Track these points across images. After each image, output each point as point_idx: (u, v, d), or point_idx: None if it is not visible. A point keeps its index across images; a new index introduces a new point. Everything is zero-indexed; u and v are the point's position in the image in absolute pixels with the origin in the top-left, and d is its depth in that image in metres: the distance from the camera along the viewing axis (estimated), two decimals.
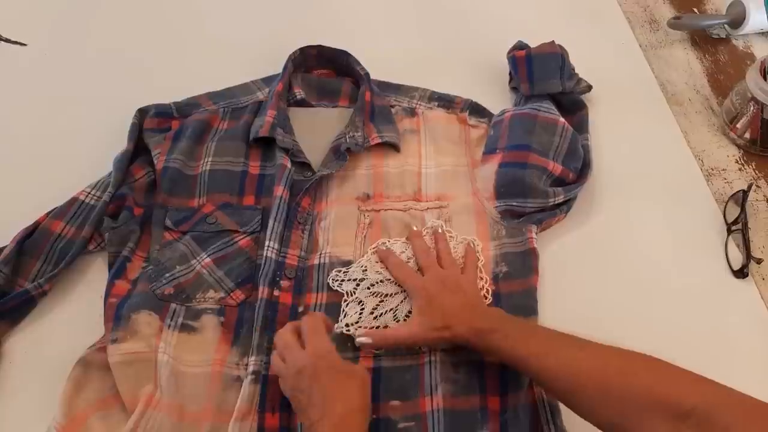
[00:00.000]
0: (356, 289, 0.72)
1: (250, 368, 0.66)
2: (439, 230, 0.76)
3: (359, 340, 0.67)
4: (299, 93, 0.88)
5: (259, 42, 0.99)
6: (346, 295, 0.72)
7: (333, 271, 0.73)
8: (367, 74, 0.88)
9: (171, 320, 0.69)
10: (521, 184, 0.78)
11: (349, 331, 0.69)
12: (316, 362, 0.59)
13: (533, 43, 0.89)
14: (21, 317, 0.72)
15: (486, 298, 0.72)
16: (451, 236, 0.77)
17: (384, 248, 0.74)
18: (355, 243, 0.76)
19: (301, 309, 0.71)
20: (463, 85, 0.91)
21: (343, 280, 0.73)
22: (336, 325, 0.69)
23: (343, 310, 0.71)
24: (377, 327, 0.70)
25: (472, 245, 0.76)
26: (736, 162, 0.88)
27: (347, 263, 0.74)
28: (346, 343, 0.69)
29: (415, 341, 0.67)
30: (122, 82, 0.94)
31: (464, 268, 0.73)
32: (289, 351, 0.62)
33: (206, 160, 0.81)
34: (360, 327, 0.69)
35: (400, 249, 0.75)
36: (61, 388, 0.64)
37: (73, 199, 0.77)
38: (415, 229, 0.76)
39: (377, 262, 0.74)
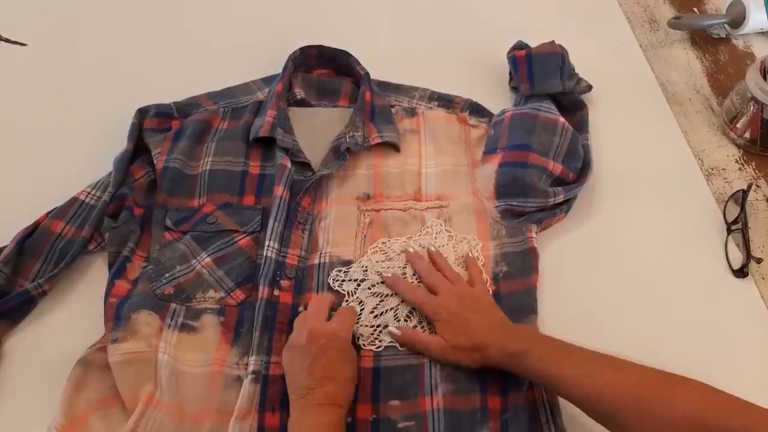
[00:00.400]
0: (357, 289, 0.72)
1: (251, 368, 0.66)
2: (432, 249, 0.75)
3: (390, 329, 0.68)
4: (299, 93, 0.88)
5: (259, 42, 0.99)
6: (346, 296, 0.72)
7: (333, 271, 0.73)
8: (367, 74, 0.88)
9: (171, 320, 0.69)
10: (521, 183, 0.78)
11: None
12: (334, 337, 0.63)
13: (533, 43, 0.89)
14: (21, 317, 0.72)
15: None
16: (450, 236, 0.77)
17: (389, 276, 0.72)
18: (355, 243, 0.76)
19: (301, 309, 0.71)
20: (463, 85, 0.91)
21: (343, 281, 0.73)
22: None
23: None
24: (378, 326, 0.70)
25: (471, 254, 0.75)
26: (736, 162, 0.88)
27: (347, 263, 0.74)
28: None
29: (444, 358, 0.66)
30: (122, 82, 0.94)
31: (471, 281, 0.72)
32: (318, 310, 0.66)
33: (206, 160, 0.81)
34: (360, 326, 0.69)
35: (400, 248, 0.75)
36: (61, 388, 0.64)
37: (73, 199, 0.77)
38: (411, 250, 0.74)
39: (378, 262, 0.74)
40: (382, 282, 0.72)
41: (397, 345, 0.68)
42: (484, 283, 0.72)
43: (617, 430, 0.56)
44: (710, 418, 0.50)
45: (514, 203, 0.78)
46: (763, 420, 0.49)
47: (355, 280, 0.73)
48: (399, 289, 0.71)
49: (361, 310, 0.71)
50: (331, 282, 0.73)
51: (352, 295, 0.72)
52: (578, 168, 0.82)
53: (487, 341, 0.64)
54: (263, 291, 0.70)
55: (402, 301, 0.71)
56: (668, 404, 0.53)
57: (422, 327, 0.69)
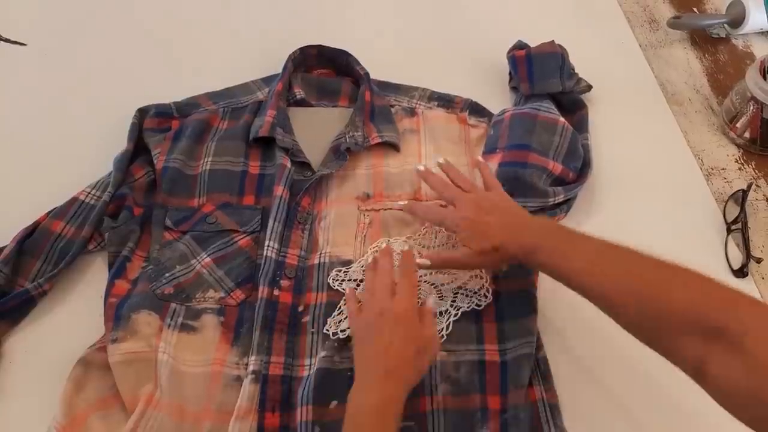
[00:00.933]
0: (357, 289, 0.72)
1: (251, 368, 0.66)
2: (442, 160, 0.76)
3: (419, 261, 0.69)
4: (299, 93, 0.88)
5: (259, 42, 0.99)
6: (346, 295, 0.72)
7: (333, 270, 0.73)
8: (367, 74, 0.88)
9: (171, 320, 0.69)
10: (521, 183, 0.78)
11: (344, 332, 0.68)
12: (399, 314, 0.61)
13: (533, 43, 0.89)
14: (21, 317, 0.72)
15: (486, 297, 0.72)
16: (450, 235, 0.76)
17: (405, 203, 0.74)
18: (355, 243, 0.76)
19: (301, 308, 0.71)
20: (463, 85, 0.91)
21: (343, 280, 0.73)
22: (332, 325, 0.69)
23: (340, 308, 0.71)
24: None
25: (481, 160, 0.77)
26: (736, 161, 0.88)
27: (347, 263, 0.74)
28: (345, 343, 0.68)
29: (468, 264, 0.68)
30: (122, 82, 0.94)
31: (486, 185, 0.73)
32: (380, 290, 0.64)
33: (206, 160, 0.81)
34: None
35: (400, 248, 0.75)
36: (61, 388, 0.64)
37: (73, 199, 0.77)
38: (422, 169, 0.76)
39: None
40: None
41: None
42: (498, 185, 0.73)
43: (622, 323, 0.57)
44: (704, 312, 0.51)
45: None
46: (754, 314, 0.49)
47: (355, 280, 0.73)
48: (418, 212, 0.73)
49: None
50: (331, 282, 0.73)
51: None
52: (578, 168, 0.82)
53: (505, 240, 0.65)
54: (263, 291, 0.70)
55: None
56: (666, 299, 0.53)
57: None
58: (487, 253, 0.66)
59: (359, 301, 0.67)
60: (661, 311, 0.53)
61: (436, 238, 0.76)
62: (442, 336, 0.69)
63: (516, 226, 0.66)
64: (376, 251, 0.75)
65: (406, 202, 0.75)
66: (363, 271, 0.73)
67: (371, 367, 0.60)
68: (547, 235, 0.64)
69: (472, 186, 0.73)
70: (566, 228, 0.65)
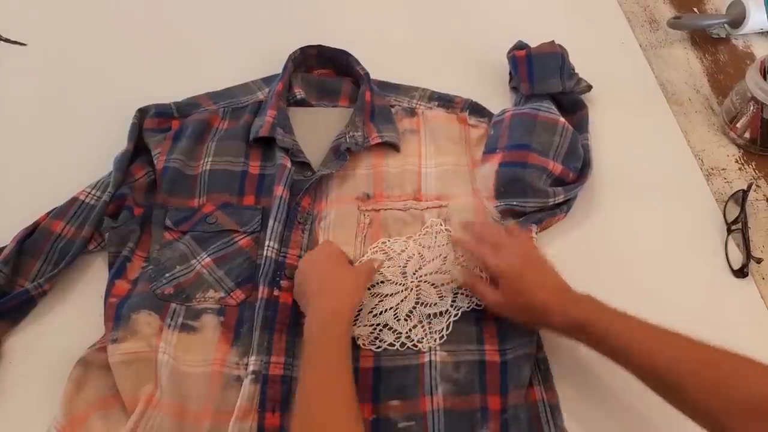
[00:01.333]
0: None
1: (251, 368, 0.66)
2: (436, 233, 0.76)
3: (454, 272, 0.71)
4: (299, 93, 0.88)
5: (259, 42, 0.99)
6: None
7: None
8: (367, 74, 0.88)
9: (171, 320, 0.69)
10: (521, 183, 0.78)
11: None
12: (321, 252, 0.70)
13: (533, 43, 0.89)
14: (21, 317, 0.72)
15: None
16: (450, 236, 0.77)
17: (400, 251, 0.75)
18: (355, 243, 0.76)
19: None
20: (463, 85, 0.91)
21: None
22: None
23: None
24: (377, 325, 0.70)
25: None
26: (736, 161, 0.88)
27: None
28: None
29: (499, 313, 0.68)
30: (122, 82, 0.94)
31: (511, 232, 0.73)
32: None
33: (206, 160, 0.81)
34: (358, 326, 0.69)
35: (400, 248, 0.75)
36: (61, 388, 0.64)
37: (73, 199, 0.77)
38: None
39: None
40: (381, 282, 0.72)
41: (397, 345, 0.68)
42: (528, 232, 0.74)
43: (681, 405, 0.56)
44: None
45: (514, 203, 0.78)
46: None
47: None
48: (465, 244, 0.72)
49: (360, 310, 0.71)
50: None
51: None
52: (578, 168, 0.82)
53: (549, 305, 0.63)
54: (263, 291, 0.70)
55: (402, 300, 0.71)
56: (739, 385, 0.53)
57: (422, 326, 0.70)
58: (519, 308, 0.65)
59: None
60: (735, 396, 0.53)
61: (436, 238, 0.76)
62: (443, 336, 0.69)
63: (564, 297, 0.64)
64: (376, 251, 0.75)
65: (386, 246, 0.76)
66: None
67: (313, 297, 0.65)
68: (601, 312, 0.63)
69: (518, 231, 0.73)
70: (615, 308, 0.63)
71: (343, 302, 0.64)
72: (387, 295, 0.72)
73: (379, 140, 0.82)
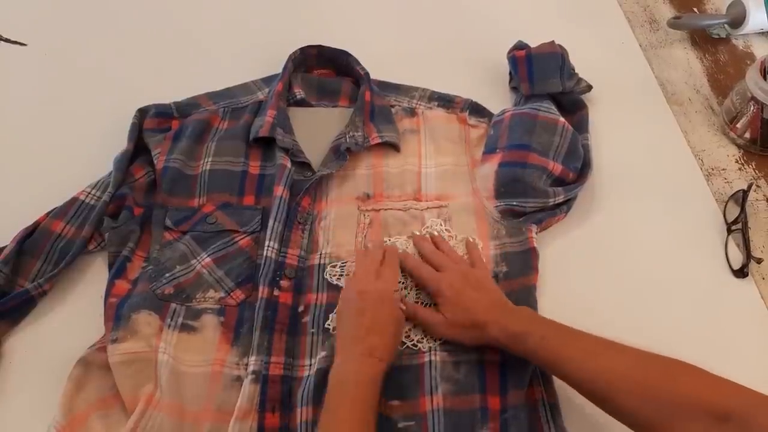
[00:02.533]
0: None
1: (251, 368, 0.66)
2: (436, 233, 0.76)
3: (397, 294, 0.69)
4: (299, 93, 0.88)
5: (259, 42, 0.99)
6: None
7: (329, 266, 0.73)
8: (367, 74, 0.88)
9: (171, 320, 0.69)
10: (521, 183, 0.78)
11: None
12: (381, 295, 0.66)
13: (533, 43, 0.89)
14: (21, 317, 0.72)
15: None
16: (450, 235, 0.77)
17: (401, 252, 0.74)
18: (355, 243, 0.76)
19: (301, 309, 0.71)
20: (463, 85, 0.91)
21: (341, 275, 0.73)
22: (333, 321, 0.69)
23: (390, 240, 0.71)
24: None
25: (471, 240, 0.76)
26: (736, 162, 0.88)
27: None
28: None
29: (443, 335, 0.68)
30: (122, 82, 0.94)
31: (472, 262, 0.74)
32: (365, 272, 0.69)
33: (206, 160, 0.81)
34: None
35: (401, 247, 0.75)
36: (61, 388, 0.64)
37: (73, 199, 0.77)
38: (417, 233, 0.76)
39: None
40: None
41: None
42: (485, 266, 0.74)
43: (615, 412, 0.57)
44: (710, 400, 0.51)
45: (514, 203, 0.78)
46: (759, 400, 0.50)
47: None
48: (408, 264, 0.73)
49: None
50: (327, 276, 0.73)
51: None
52: (578, 168, 0.82)
53: (487, 320, 0.65)
54: (263, 291, 0.70)
55: (401, 300, 0.71)
56: (668, 387, 0.54)
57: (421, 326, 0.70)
58: (462, 327, 0.66)
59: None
60: (666, 398, 0.53)
61: None
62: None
63: (500, 309, 0.66)
64: None
65: (417, 233, 0.76)
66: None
67: (355, 342, 0.62)
68: (537, 322, 0.64)
69: (461, 259, 0.73)
70: (552, 320, 0.64)
71: (384, 366, 0.62)
72: None
73: (379, 140, 0.82)
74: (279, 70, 0.88)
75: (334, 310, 0.70)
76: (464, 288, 0.68)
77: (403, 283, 0.72)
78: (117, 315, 0.69)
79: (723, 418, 0.49)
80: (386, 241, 0.76)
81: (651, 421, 0.54)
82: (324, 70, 0.93)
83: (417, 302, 0.71)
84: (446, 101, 0.89)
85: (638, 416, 0.55)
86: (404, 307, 0.68)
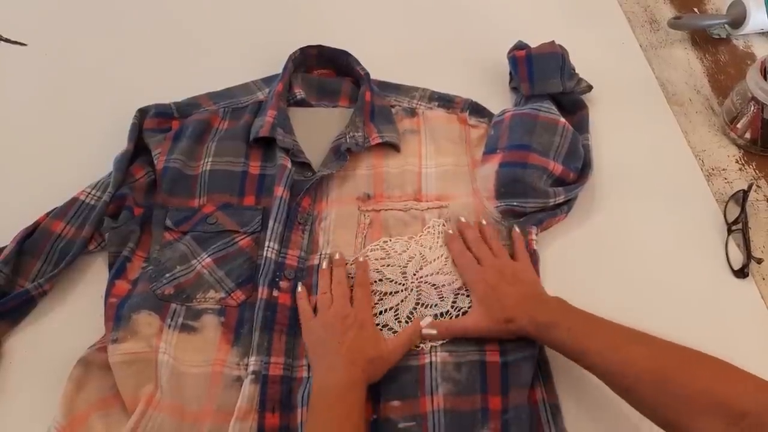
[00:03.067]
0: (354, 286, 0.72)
1: (251, 368, 0.66)
2: (483, 222, 0.77)
3: (425, 331, 0.68)
4: (299, 93, 0.88)
5: (259, 42, 0.99)
6: None
7: (324, 261, 0.73)
8: (367, 74, 0.88)
9: (171, 320, 0.69)
10: (521, 184, 0.78)
11: None
12: (359, 323, 0.66)
13: (533, 43, 0.89)
14: (21, 317, 0.72)
15: None
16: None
17: (450, 232, 0.75)
18: (355, 243, 0.76)
19: (327, 258, 0.72)
20: (463, 85, 0.91)
21: None
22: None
23: (358, 258, 0.71)
24: (377, 324, 0.69)
25: (518, 231, 0.76)
26: (737, 162, 0.88)
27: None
28: None
29: (480, 333, 0.68)
30: (122, 82, 0.94)
31: (515, 255, 0.74)
32: (343, 297, 0.69)
33: (206, 160, 0.81)
34: None
35: (401, 248, 0.75)
36: (61, 388, 0.64)
37: (74, 199, 0.77)
38: (463, 220, 0.76)
39: (377, 260, 0.74)
40: (380, 280, 0.72)
41: None
42: (527, 258, 0.74)
43: (637, 405, 0.57)
44: (727, 396, 0.51)
45: (515, 203, 0.78)
46: None
47: (353, 277, 0.73)
48: (453, 248, 0.74)
49: None
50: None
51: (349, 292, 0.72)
52: (579, 168, 0.82)
53: (518, 313, 0.65)
54: (262, 292, 0.70)
55: (402, 301, 0.71)
56: (687, 381, 0.54)
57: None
58: (499, 323, 0.66)
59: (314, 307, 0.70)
60: (683, 392, 0.53)
61: (437, 239, 0.76)
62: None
63: (531, 301, 0.67)
64: (375, 249, 0.75)
65: (451, 232, 0.76)
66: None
67: (337, 355, 0.63)
68: (565, 313, 0.65)
69: (502, 252, 0.74)
70: (581, 309, 0.65)
71: (366, 378, 0.63)
72: (387, 293, 0.72)
73: (380, 140, 0.82)
74: (279, 70, 0.88)
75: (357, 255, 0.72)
76: (499, 284, 0.69)
77: (378, 303, 0.71)
78: (117, 315, 0.69)
79: (738, 416, 0.49)
80: (387, 241, 0.76)
81: (668, 415, 0.54)
82: (324, 71, 0.93)
83: (412, 315, 0.71)
84: (446, 101, 0.89)
85: (656, 409, 0.55)
86: (436, 332, 0.68)
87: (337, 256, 0.74)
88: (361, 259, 0.73)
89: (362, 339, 0.65)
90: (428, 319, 0.69)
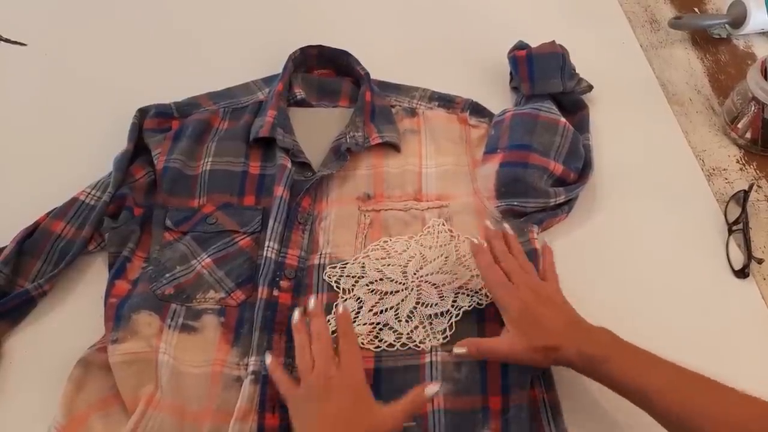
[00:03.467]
0: (354, 286, 0.72)
1: (251, 368, 0.65)
2: (509, 231, 0.72)
3: (456, 351, 0.64)
4: (299, 93, 0.88)
5: (259, 42, 0.99)
6: (342, 293, 0.72)
7: (328, 267, 0.73)
8: (368, 74, 0.88)
9: (171, 320, 0.69)
10: (522, 183, 0.78)
11: None
12: (347, 385, 0.59)
13: (534, 43, 0.89)
14: (21, 317, 0.72)
15: (487, 296, 0.71)
16: (452, 235, 0.76)
17: (475, 242, 0.69)
18: (355, 243, 0.76)
19: (301, 309, 0.71)
20: (463, 85, 0.91)
21: (340, 276, 0.73)
22: (329, 317, 0.69)
23: (337, 306, 0.70)
24: (377, 324, 0.69)
25: (548, 245, 0.73)
26: (737, 162, 0.87)
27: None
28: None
29: (514, 358, 0.63)
30: (122, 82, 0.94)
31: (544, 273, 0.69)
32: (325, 355, 0.61)
33: (206, 160, 0.81)
34: (358, 324, 0.69)
35: (401, 248, 0.75)
36: (61, 388, 0.64)
37: (73, 200, 0.77)
38: (489, 225, 0.73)
39: (377, 260, 0.74)
40: (381, 279, 0.72)
41: (398, 346, 0.68)
42: (556, 277, 0.69)
43: None
44: None
45: (515, 203, 0.78)
46: None
47: (353, 277, 0.73)
48: (480, 260, 0.68)
49: (360, 308, 0.71)
50: (326, 278, 0.73)
51: (349, 293, 0.72)
52: (579, 168, 0.82)
53: (565, 342, 0.60)
54: (262, 291, 0.70)
55: (402, 300, 0.71)
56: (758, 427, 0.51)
57: (423, 327, 0.69)
58: (538, 351, 0.61)
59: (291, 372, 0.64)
60: None
61: (437, 238, 0.76)
62: (446, 337, 0.69)
63: (578, 330, 0.62)
64: (376, 249, 0.75)
65: (477, 242, 0.70)
66: (361, 267, 0.73)
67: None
68: (617, 347, 0.60)
69: (531, 268, 0.68)
70: (631, 343, 0.60)
71: None
72: (387, 293, 0.72)
73: (380, 140, 0.82)
74: (279, 70, 0.88)
75: (334, 304, 0.70)
76: (536, 305, 0.63)
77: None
78: (117, 315, 0.69)
79: None
80: (387, 240, 0.76)
81: None
82: (324, 70, 0.93)
83: (416, 326, 0.68)
84: (447, 101, 0.89)
85: None
86: (465, 350, 0.64)
87: (311, 305, 0.66)
88: (340, 310, 0.66)
89: (353, 407, 0.58)
90: (434, 388, 0.60)
